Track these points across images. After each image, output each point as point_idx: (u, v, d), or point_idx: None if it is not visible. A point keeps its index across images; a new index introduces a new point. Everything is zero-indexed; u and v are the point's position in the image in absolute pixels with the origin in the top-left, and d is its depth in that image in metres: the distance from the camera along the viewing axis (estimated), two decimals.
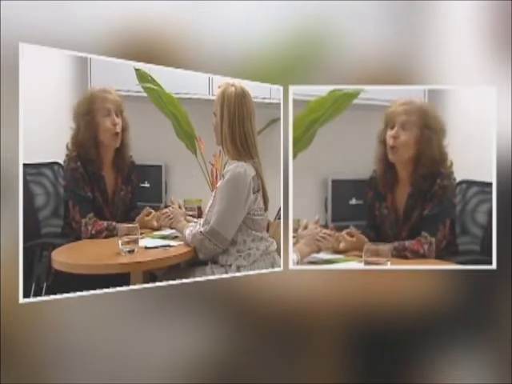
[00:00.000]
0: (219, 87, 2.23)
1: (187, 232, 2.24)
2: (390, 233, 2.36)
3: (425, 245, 2.25)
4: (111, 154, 2.44)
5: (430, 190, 2.28)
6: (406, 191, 2.34)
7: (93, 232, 2.28)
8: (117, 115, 2.38)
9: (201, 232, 2.18)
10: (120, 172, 2.47)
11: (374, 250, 2.16)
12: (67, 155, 2.33)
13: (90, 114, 2.33)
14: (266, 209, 2.28)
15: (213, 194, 2.25)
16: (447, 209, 2.30)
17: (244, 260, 2.21)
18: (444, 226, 2.28)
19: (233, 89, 2.20)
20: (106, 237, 2.30)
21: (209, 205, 2.24)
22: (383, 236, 2.38)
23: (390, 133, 2.31)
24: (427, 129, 2.28)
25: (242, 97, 2.21)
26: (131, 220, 2.46)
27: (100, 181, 2.39)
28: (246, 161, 2.20)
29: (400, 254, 2.24)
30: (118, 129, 2.39)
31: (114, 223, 2.32)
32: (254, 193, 2.19)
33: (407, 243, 2.25)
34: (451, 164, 2.30)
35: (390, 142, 2.31)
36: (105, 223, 2.31)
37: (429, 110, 2.30)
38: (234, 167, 2.17)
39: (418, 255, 2.24)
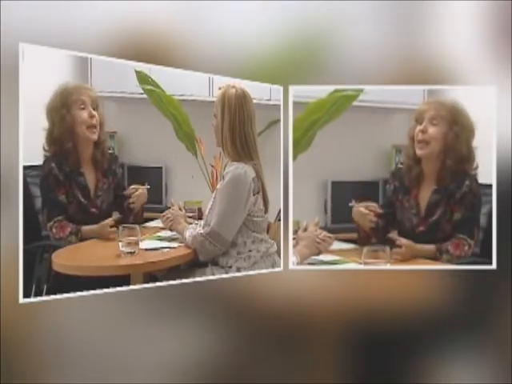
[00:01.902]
0: (220, 89, 2.24)
1: (187, 234, 2.24)
2: (407, 225, 2.35)
3: (465, 247, 2.25)
4: (90, 148, 2.35)
5: (457, 190, 2.28)
6: (430, 187, 2.34)
7: (56, 237, 2.21)
8: (93, 108, 2.30)
9: (201, 234, 2.18)
10: (100, 166, 2.38)
11: (373, 251, 2.16)
12: (44, 156, 2.25)
13: (65, 107, 2.25)
14: (266, 211, 2.28)
15: (213, 195, 2.25)
16: (478, 213, 2.29)
17: (244, 262, 2.21)
18: (478, 230, 2.28)
19: (233, 90, 2.20)
20: (80, 240, 2.25)
21: (209, 206, 2.24)
22: (400, 226, 2.38)
23: (418, 128, 2.31)
24: (456, 125, 2.27)
25: (242, 98, 2.21)
26: (121, 210, 2.45)
27: (79, 178, 2.32)
28: (246, 162, 2.20)
29: (440, 255, 2.25)
30: (95, 121, 2.30)
31: (78, 226, 2.25)
32: (254, 194, 2.19)
33: (449, 246, 2.25)
34: (477, 166, 2.29)
35: (418, 136, 2.30)
36: (69, 227, 2.24)
37: (459, 108, 2.29)
38: (234, 169, 2.17)
39: (459, 257, 2.24)
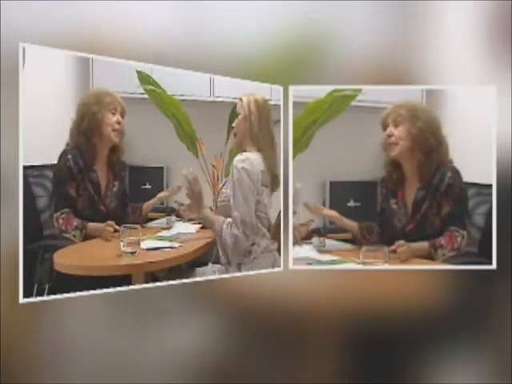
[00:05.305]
0: (241, 99, 2.34)
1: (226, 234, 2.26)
2: (398, 225, 2.38)
3: (458, 238, 2.26)
4: (107, 151, 2.44)
5: (440, 183, 2.29)
6: (414, 186, 2.36)
7: (62, 228, 2.26)
8: (121, 116, 2.42)
9: (235, 225, 2.22)
10: (112, 169, 2.47)
11: (371, 251, 2.17)
12: (67, 144, 2.34)
13: (98, 105, 2.35)
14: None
15: (226, 188, 2.35)
16: (466, 203, 2.31)
17: (245, 257, 2.22)
18: (469, 219, 2.30)
19: (257, 95, 2.32)
20: (85, 238, 2.29)
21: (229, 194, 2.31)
22: (391, 229, 2.40)
23: (385, 133, 2.35)
24: (417, 119, 2.31)
25: (265, 100, 2.33)
26: (127, 215, 2.49)
27: (92, 174, 2.38)
28: (263, 151, 2.30)
29: (435, 251, 2.26)
30: (120, 128, 2.41)
31: (84, 222, 2.29)
32: (262, 185, 2.26)
33: (442, 240, 2.27)
34: (447, 149, 2.33)
35: (386, 141, 2.35)
36: (75, 222, 2.28)
37: (416, 104, 2.35)
38: (242, 158, 2.24)
39: (453, 249, 2.26)
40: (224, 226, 2.25)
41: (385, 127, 2.36)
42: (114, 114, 2.38)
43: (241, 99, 2.33)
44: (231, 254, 2.23)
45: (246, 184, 2.22)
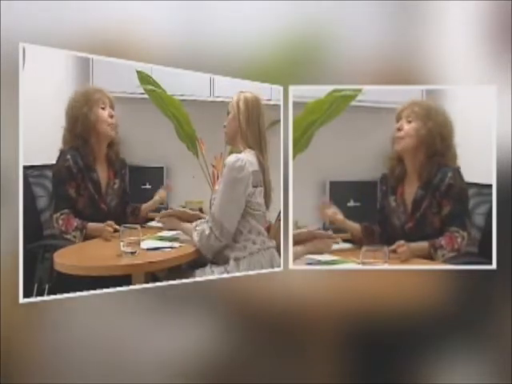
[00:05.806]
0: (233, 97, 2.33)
1: (195, 234, 2.26)
2: (397, 223, 2.39)
3: (458, 239, 2.26)
4: (104, 148, 2.44)
5: (441, 183, 2.30)
6: (415, 184, 2.37)
7: (62, 229, 2.26)
8: (112, 108, 2.42)
9: (210, 227, 2.21)
10: (111, 166, 2.47)
11: (371, 251, 2.17)
12: (60, 149, 2.33)
13: (87, 104, 2.35)
14: (266, 207, 2.32)
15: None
16: (467, 203, 2.32)
17: (240, 252, 2.22)
18: (469, 220, 2.31)
19: (248, 93, 2.30)
20: (85, 238, 2.29)
21: (212, 198, 2.31)
22: (390, 227, 2.41)
23: (395, 126, 2.37)
24: (430, 121, 2.32)
25: (256, 98, 2.31)
26: (126, 215, 2.51)
27: (92, 173, 2.39)
28: (255, 150, 2.27)
29: (435, 252, 2.27)
30: (114, 121, 2.41)
31: (84, 223, 2.30)
32: (253, 186, 2.23)
33: (442, 241, 2.27)
34: (455, 156, 2.33)
35: (395, 134, 2.36)
36: (75, 223, 2.28)
37: (432, 104, 2.36)
38: (234, 159, 2.21)
39: (453, 250, 2.26)
40: (195, 235, 2.26)
41: (398, 121, 2.37)
42: (103, 108, 2.39)
43: (232, 98, 2.33)
44: (201, 250, 2.24)
45: (230, 191, 2.21)
